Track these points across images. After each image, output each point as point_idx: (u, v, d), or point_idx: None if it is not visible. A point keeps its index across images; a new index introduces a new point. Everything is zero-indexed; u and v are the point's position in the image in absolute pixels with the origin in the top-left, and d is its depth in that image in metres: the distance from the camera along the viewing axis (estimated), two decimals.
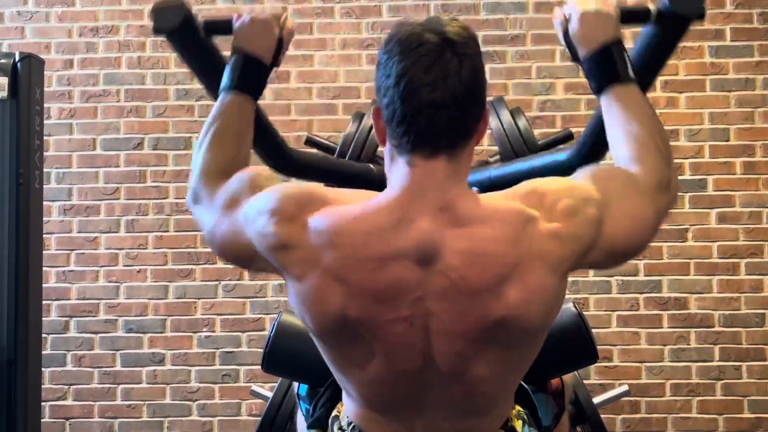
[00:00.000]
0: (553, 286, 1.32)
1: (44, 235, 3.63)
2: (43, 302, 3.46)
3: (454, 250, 1.28)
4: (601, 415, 2.75)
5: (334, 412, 1.58)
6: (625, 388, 2.92)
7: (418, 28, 1.29)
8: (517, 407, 1.59)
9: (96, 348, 3.79)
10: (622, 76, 1.49)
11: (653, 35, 1.69)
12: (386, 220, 1.30)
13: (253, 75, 1.58)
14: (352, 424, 1.50)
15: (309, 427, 1.67)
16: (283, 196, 1.36)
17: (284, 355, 1.80)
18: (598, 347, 3.59)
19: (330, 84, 3.88)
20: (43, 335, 3.65)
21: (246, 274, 3.77)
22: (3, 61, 3.18)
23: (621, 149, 1.47)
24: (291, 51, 3.76)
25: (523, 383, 1.69)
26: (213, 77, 1.67)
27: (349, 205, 1.34)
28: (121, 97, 3.89)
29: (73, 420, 3.77)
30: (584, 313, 1.84)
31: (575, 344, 1.78)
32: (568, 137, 2.66)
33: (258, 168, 1.52)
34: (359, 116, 2.82)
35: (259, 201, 1.38)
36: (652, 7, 1.67)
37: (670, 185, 1.44)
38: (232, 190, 1.45)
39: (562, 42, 1.58)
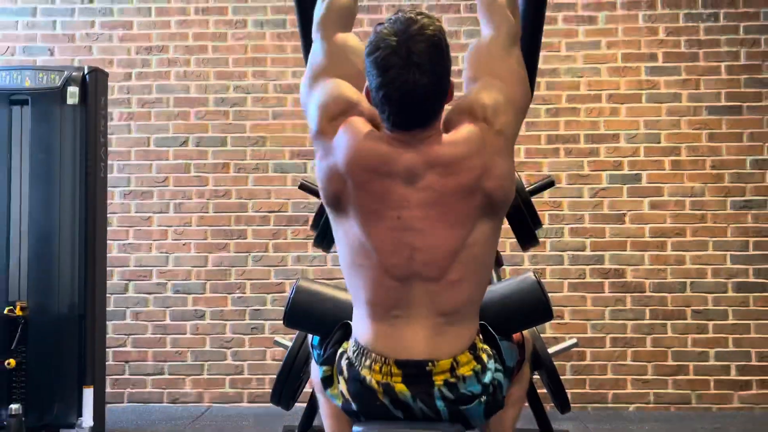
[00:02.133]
0: (509, 164, 1.50)
1: (108, 215, 3.59)
2: (107, 268, 3.44)
3: (435, 172, 1.42)
4: (555, 362, 2.73)
5: (341, 349, 1.59)
6: (574, 341, 2.88)
7: (388, 50, 1.38)
8: (485, 345, 1.57)
9: (150, 306, 3.76)
10: None
11: None
12: (384, 149, 1.43)
13: None
14: (358, 347, 1.53)
15: (321, 364, 1.65)
16: (336, 96, 1.49)
17: (301, 312, 1.77)
18: (553, 308, 3.60)
19: None
20: (107, 295, 3.62)
21: (271, 246, 3.74)
22: (75, 74, 3.14)
23: (481, 8, 1.60)
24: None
25: (492, 331, 1.66)
26: None
27: (367, 125, 1.45)
28: (170, 103, 3.83)
29: (131, 363, 3.74)
30: (542, 280, 1.81)
31: (534, 305, 1.74)
32: (550, 184, 2.63)
33: (351, 50, 1.59)
34: None
35: (327, 87, 1.51)
36: None
37: (516, 31, 1.57)
38: (331, 58, 1.56)
39: None
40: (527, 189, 2.54)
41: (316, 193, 2.66)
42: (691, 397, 3.61)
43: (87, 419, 3.02)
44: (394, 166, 1.42)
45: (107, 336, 3.60)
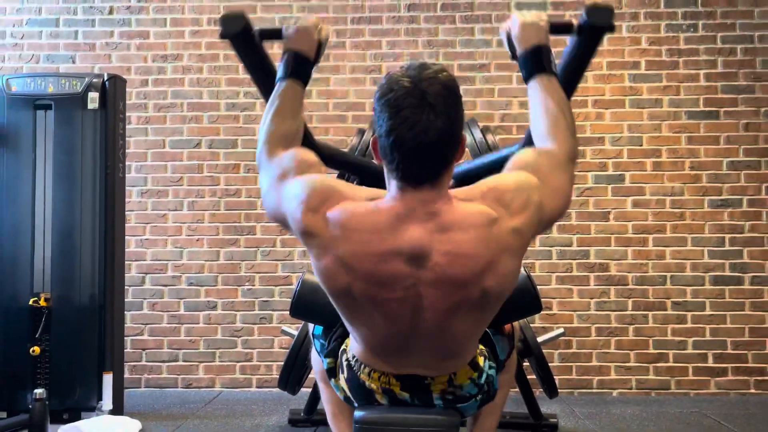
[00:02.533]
0: (517, 266, 1.35)
1: (126, 212, 3.61)
2: (126, 262, 3.47)
3: (439, 252, 1.28)
4: (543, 350, 2.76)
5: (343, 346, 1.59)
6: (561, 330, 2.92)
7: (402, 91, 1.26)
8: (481, 346, 1.59)
9: (165, 297, 3.78)
10: (546, 69, 1.52)
11: (577, 42, 1.70)
12: (385, 224, 1.29)
13: (302, 67, 1.57)
14: (356, 358, 1.51)
15: (324, 356, 1.66)
16: (311, 189, 1.34)
17: (306, 304, 1.79)
18: (542, 300, 3.62)
19: (342, 100, 3.84)
20: (126, 287, 3.64)
21: (278, 242, 3.76)
22: (95, 80, 3.16)
23: (538, 125, 1.49)
24: (312, 75, 3.74)
25: (488, 330, 1.69)
26: (264, 74, 1.70)
27: (360, 203, 1.31)
28: (184, 108, 3.85)
29: (148, 350, 3.76)
30: (531, 274, 1.83)
31: (525, 298, 1.77)
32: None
33: (307, 153, 1.48)
34: (361, 132, 2.80)
35: (296, 187, 1.36)
36: (575, 21, 1.69)
37: (576, 154, 1.49)
38: (284, 166, 1.43)
39: (505, 45, 1.60)
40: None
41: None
42: (670, 383, 3.63)
43: (106, 403, 3.05)
44: (399, 243, 1.27)
45: (126, 325, 3.62)
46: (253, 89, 3.80)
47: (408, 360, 1.43)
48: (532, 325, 3.63)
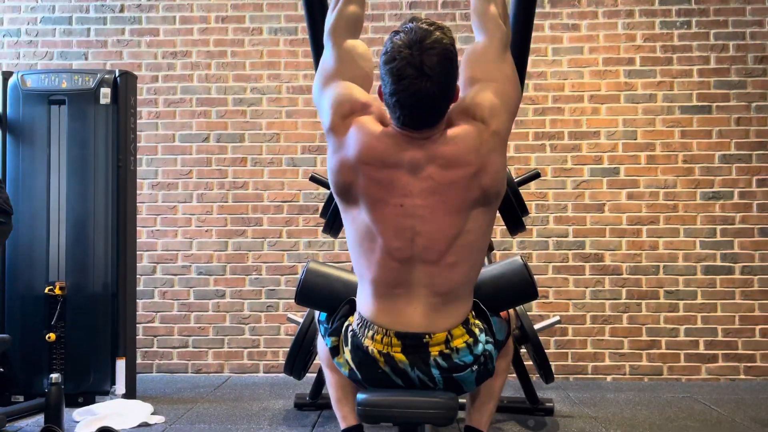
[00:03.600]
0: (503, 161, 1.51)
1: (138, 204, 3.62)
2: (138, 252, 3.48)
3: (436, 163, 1.44)
4: (540, 337, 2.76)
5: (346, 323, 1.61)
6: (557, 318, 2.91)
7: (403, 62, 1.39)
8: (477, 321, 1.60)
9: (175, 286, 3.79)
10: None
11: None
12: (392, 145, 1.46)
13: None
14: (362, 320, 1.55)
15: (329, 335, 1.67)
16: (346, 98, 1.51)
17: (311, 290, 1.80)
18: (538, 288, 3.62)
19: None
20: (138, 276, 3.66)
21: (284, 233, 3.76)
22: (107, 76, 3.16)
23: (473, 17, 1.60)
24: None
25: (484, 308, 1.69)
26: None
27: (375, 122, 1.48)
28: (193, 103, 3.84)
29: (159, 337, 3.77)
30: (528, 263, 1.83)
31: (522, 285, 1.76)
32: (536, 176, 2.66)
33: (361, 54, 1.60)
34: None
35: (337, 91, 1.53)
36: None
37: (507, 38, 1.57)
38: (339, 65, 1.57)
39: None
40: (516, 180, 2.57)
41: (325, 185, 2.68)
42: (663, 369, 3.64)
43: (120, 387, 3.06)
44: (399, 158, 1.44)
45: (138, 313, 3.64)
46: (260, 85, 3.80)
47: (408, 304, 1.49)
48: (529, 313, 3.64)
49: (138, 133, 3.76)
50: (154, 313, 3.76)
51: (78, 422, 2.76)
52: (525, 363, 2.84)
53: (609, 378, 3.64)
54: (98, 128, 3.13)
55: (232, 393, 3.33)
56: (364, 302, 1.56)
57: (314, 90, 1.62)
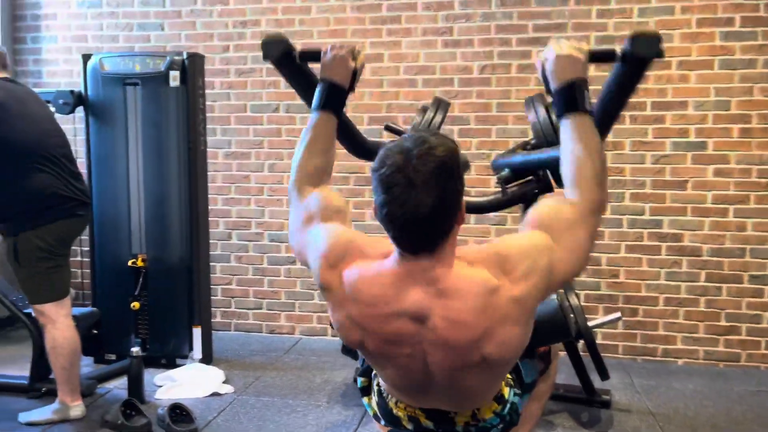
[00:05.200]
0: (521, 331, 1.29)
1: (213, 173, 3.77)
2: (213, 219, 3.65)
3: (438, 316, 1.26)
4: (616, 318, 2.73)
5: None
6: (617, 315, 2.80)
7: (393, 168, 1.20)
8: (507, 374, 1.57)
9: (250, 251, 3.96)
10: (579, 107, 1.38)
11: (620, 72, 1.55)
12: (390, 287, 1.28)
13: (335, 98, 1.55)
14: (382, 389, 1.54)
15: (358, 375, 1.69)
16: (331, 244, 1.33)
17: None
18: (608, 268, 3.48)
19: (413, 63, 3.70)
20: (214, 242, 3.86)
21: (352, 203, 3.80)
22: (176, 58, 3.23)
23: (565, 170, 1.38)
24: (384, 38, 3.61)
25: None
26: (307, 91, 1.70)
27: (369, 264, 1.30)
28: (263, 73, 3.86)
29: (236, 298, 4.00)
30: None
31: (555, 328, 1.70)
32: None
33: (331, 197, 1.48)
34: (424, 110, 2.70)
35: (318, 236, 1.37)
36: (617, 49, 1.52)
37: (600, 206, 1.36)
38: (310, 209, 1.44)
39: (540, 77, 1.47)
40: None
41: (401, 134, 2.65)
42: (740, 356, 3.44)
43: (196, 353, 3.31)
44: (401, 304, 1.26)
45: (214, 276, 3.86)
46: None
47: (429, 401, 1.44)
48: (596, 291, 3.54)
49: (212, 103, 3.87)
50: (231, 277, 3.97)
51: (159, 387, 3.03)
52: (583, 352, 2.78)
53: (680, 361, 3.50)
54: (169, 109, 3.24)
55: (299, 359, 3.51)
56: (384, 384, 1.51)
57: (291, 244, 1.47)
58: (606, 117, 1.68)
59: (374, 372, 1.60)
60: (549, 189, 2.47)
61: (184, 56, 3.21)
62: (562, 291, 1.74)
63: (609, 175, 3.40)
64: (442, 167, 1.20)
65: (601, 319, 2.76)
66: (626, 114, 3.46)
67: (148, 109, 3.25)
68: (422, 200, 1.18)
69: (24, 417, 2.65)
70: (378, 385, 1.56)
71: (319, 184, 1.50)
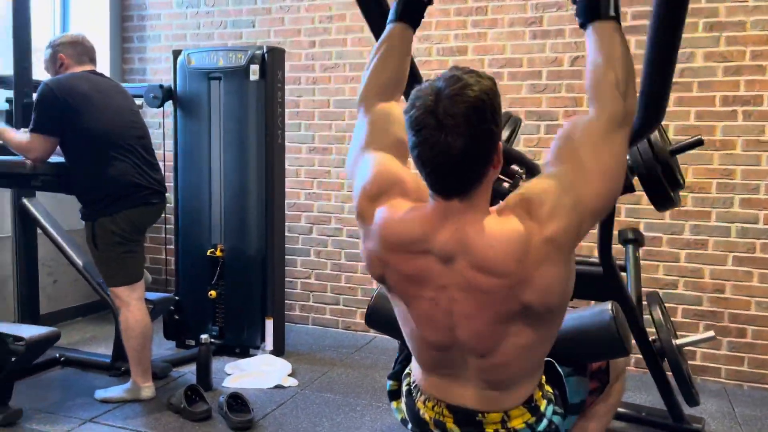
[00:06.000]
0: (561, 272, 1.19)
1: (297, 167, 3.79)
2: (296, 213, 3.67)
3: (467, 260, 1.19)
4: (702, 347, 2.41)
5: (407, 370, 1.52)
6: (711, 334, 2.47)
7: (422, 109, 1.14)
8: (548, 387, 1.41)
9: (329, 246, 3.94)
10: (602, 14, 1.25)
11: None
12: (420, 230, 1.23)
13: (412, 7, 1.50)
14: (414, 383, 1.44)
15: (388, 378, 1.60)
16: (375, 176, 1.31)
17: (380, 317, 1.73)
18: (712, 281, 3.11)
19: (499, 56, 3.51)
20: (296, 235, 3.89)
21: None
22: (256, 52, 3.26)
23: (587, 85, 1.27)
24: (469, 29, 3.46)
25: (559, 367, 1.47)
26: (378, 16, 1.64)
27: (404, 204, 1.26)
28: (347, 69, 3.83)
29: (314, 293, 4.00)
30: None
31: (608, 343, 1.49)
32: (698, 143, 2.20)
33: (395, 118, 1.39)
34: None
35: (368, 164, 1.33)
36: None
37: (625, 117, 1.21)
38: (371, 131, 1.40)
39: None
40: (670, 148, 2.15)
41: None
42: None
43: (268, 344, 3.33)
44: (428, 243, 1.21)
45: (295, 269, 3.89)
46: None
47: (457, 383, 1.33)
48: (698, 307, 3.17)
49: (297, 98, 3.89)
50: (311, 271, 3.98)
51: (228, 375, 3.07)
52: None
53: None
54: (249, 103, 3.28)
55: (369, 358, 3.43)
56: (415, 367, 1.43)
57: (347, 163, 1.45)
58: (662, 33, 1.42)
59: (405, 372, 1.52)
60: (630, 189, 2.21)
61: (264, 50, 3.24)
62: (615, 302, 1.51)
63: (715, 177, 3.06)
64: (475, 108, 1.12)
65: (691, 337, 2.44)
66: (738, 109, 3.07)
67: (230, 102, 3.31)
68: (453, 143, 1.12)
69: (99, 393, 2.77)
70: (408, 384, 1.48)
71: (389, 100, 1.46)
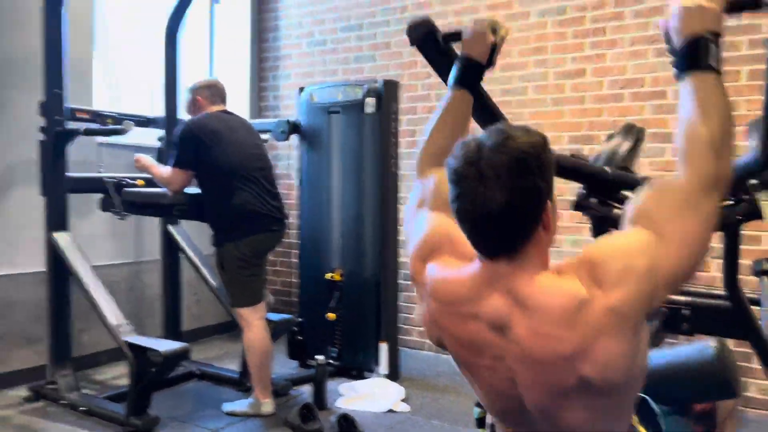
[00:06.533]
0: (624, 347, 1.05)
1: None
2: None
3: (520, 326, 1.09)
4: None
5: None
6: None
7: (463, 160, 1.09)
8: (641, 429, 1.31)
9: None
10: (702, 64, 1.12)
11: None
12: (468, 290, 1.15)
13: (469, 73, 1.50)
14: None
15: (476, 405, 1.56)
16: (428, 235, 1.27)
17: None
18: None
19: (619, 77, 3.35)
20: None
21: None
22: (372, 86, 3.39)
23: (678, 140, 1.13)
24: (587, 51, 3.36)
25: (655, 405, 1.37)
26: (448, 73, 1.65)
27: (454, 263, 1.20)
28: None
29: None
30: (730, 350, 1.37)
31: (712, 382, 1.36)
32: None
33: (444, 178, 1.32)
34: (610, 137, 2.39)
35: (421, 225, 1.31)
36: None
37: (717, 182, 1.08)
38: (425, 193, 1.38)
39: (663, 37, 1.22)
40: None
41: (581, 165, 2.41)
42: None
43: (382, 368, 3.39)
44: (478, 308, 1.13)
45: (414, 295, 3.92)
46: (526, 72, 3.60)
47: None
48: None
49: (413, 128, 3.98)
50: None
51: (341, 396, 3.17)
52: None
53: None
54: (365, 134, 3.41)
55: None
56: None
57: (405, 229, 1.41)
58: None
59: None
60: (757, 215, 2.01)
61: (379, 84, 3.36)
62: (721, 339, 1.38)
63: None
64: (519, 159, 1.05)
65: None
66: None
67: (347, 134, 3.47)
68: (493, 196, 1.05)
69: (226, 406, 2.99)
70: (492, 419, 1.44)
71: (440, 166, 1.45)
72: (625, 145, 2.20)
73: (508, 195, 1.04)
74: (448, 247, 1.22)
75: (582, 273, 1.05)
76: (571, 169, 2.01)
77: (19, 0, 3.30)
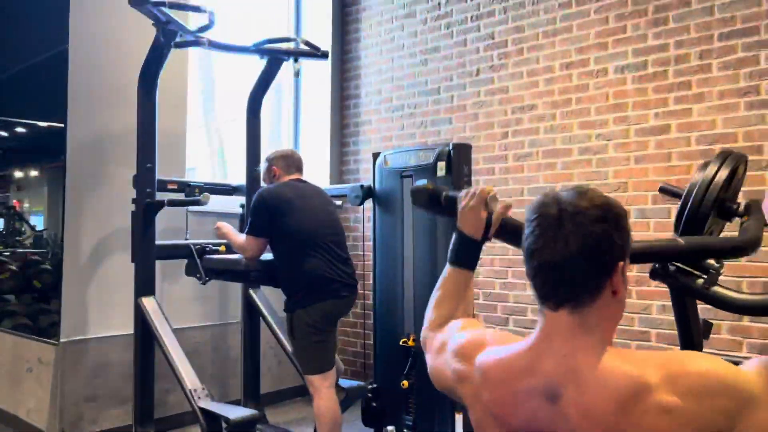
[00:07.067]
0: None
1: (491, 257, 3.75)
2: (491, 303, 3.60)
3: (571, 397, 1.02)
4: None
5: None
6: None
7: (542, 208, 1.07)
8: None
9: None
10: None
11: None
12: (521, 363, 1.09)
13: (465, 252, 1.47)
14: None
15: None
16: (465, 339, 1.25)
17: None
18: None
19: (708, 132, 3.14)
20: (492, 326, 3.77)
21: (634, 293, 3.32)
22: (442, 150, 3.35)
23: None
24: (671, 107, 3.20)
25: None
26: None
27: (502, 346, 1.15)
28: (539, 156, 3.75)
29: None
30: None
31: None
32: None
33: (459, 322, 1.38)
34: (705, 166, 2.17)
35: (451, 343, 1.28)
36: None
37: None
38: (442, 337, 1.37)
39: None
40: None
41: (678, 195, 2.21)
42: None
43: None
44: (534, 377, 1.07)
45: None
46: (605, 130, 3.47)
47: None
48: None
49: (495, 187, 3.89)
50: None
51: None
52: None
53: None
54: None
55: None
56: None
57: (433, 378, 1.38)
58: None
59: None
60: None
61: (450, 147, 3.33)
62: None
63: None
64: (598, 208, 1.04)
65: None
66: None
67: None
68: (566, 238, 1.02)
69: None
70: None
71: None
72: (723, 172, 1.94)
73: (582, 239, 1.01)
74: (487, 342, 1.20)
75: (656, 368, 0.98)
76: (640, 253, 1.83)
77: (115, 80, 3.59)
